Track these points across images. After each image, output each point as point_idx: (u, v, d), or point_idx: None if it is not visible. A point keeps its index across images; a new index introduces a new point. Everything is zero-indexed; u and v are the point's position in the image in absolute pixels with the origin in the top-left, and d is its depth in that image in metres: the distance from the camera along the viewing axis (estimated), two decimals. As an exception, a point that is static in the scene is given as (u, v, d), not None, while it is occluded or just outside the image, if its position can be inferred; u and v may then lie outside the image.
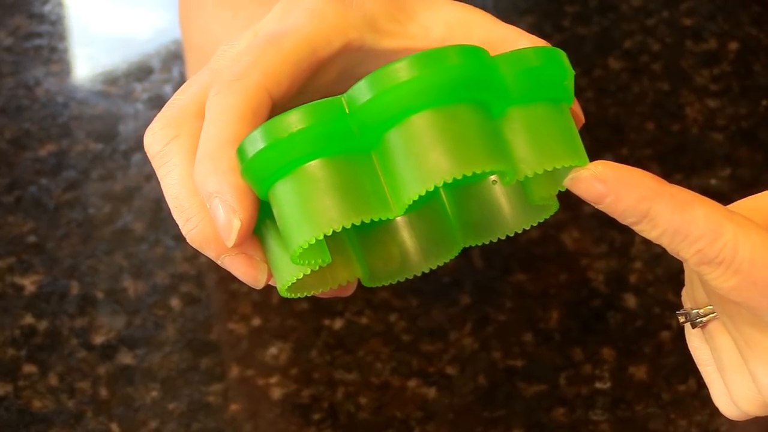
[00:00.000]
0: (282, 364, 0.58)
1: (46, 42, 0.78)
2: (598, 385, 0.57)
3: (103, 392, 0.57)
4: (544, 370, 0.58)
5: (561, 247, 0.63)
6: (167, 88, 0.73)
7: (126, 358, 0.58)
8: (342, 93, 0.40)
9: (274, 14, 0.44)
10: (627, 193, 0.39)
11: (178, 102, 0.42)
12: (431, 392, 0.57)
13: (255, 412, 0.56)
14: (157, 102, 0.72)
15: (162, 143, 0.41)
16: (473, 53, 0.39)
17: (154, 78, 0.74)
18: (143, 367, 0.58)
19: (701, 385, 0.58)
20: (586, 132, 0.42)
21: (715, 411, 0.57)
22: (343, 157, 0.39)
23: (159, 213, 0.65)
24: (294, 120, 0.38)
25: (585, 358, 0.58)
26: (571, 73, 0.41)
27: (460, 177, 0.37)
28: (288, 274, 0.40)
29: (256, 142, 0.39)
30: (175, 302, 0.61)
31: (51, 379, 0.57)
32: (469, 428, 0.56)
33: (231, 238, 0.39)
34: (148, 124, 0.42)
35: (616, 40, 0.78)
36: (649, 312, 0.60)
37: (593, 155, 0.41)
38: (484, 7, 0.44)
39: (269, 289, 0.47)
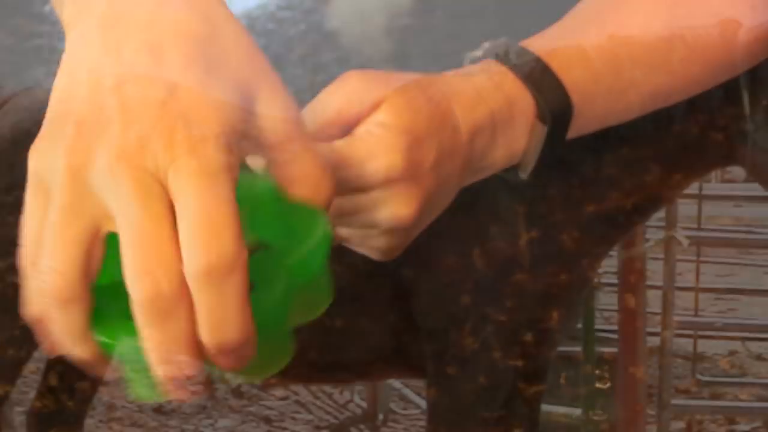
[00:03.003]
0: (282, 364, 0.58)
1: (46, 42, 0.78)
2: (598, 385, 0.57)
3: (103, 392, 0.57)
4: (544, 370, 0.58)
5: (561, 247, 0.62)
6: (167, 88, 0.73)
7: (126, 358, 0.58)
8: None
9: None
10: None
11: None
12: (431, 392, 0.57)
13: (255, 412, 0.56)
14: (157, 102, 0.71)
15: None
16: None
17: (154, 78, 0.74)
18: (143, 367, 0.58)
19: (701, 386, 0.57)
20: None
21: (714, 411, 0.56)
22: None
23: (159, 213, 0.65)
24: None
25: (585, 358, 0.58)
26: None
27: None
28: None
29: None
30: (175, 302, 0.61)
31: (51, 379, 0.57)
32: (469, 428, 0.56)
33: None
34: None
35: (616, 40, 0.77)
36: (649, 312, 0.60)
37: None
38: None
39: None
